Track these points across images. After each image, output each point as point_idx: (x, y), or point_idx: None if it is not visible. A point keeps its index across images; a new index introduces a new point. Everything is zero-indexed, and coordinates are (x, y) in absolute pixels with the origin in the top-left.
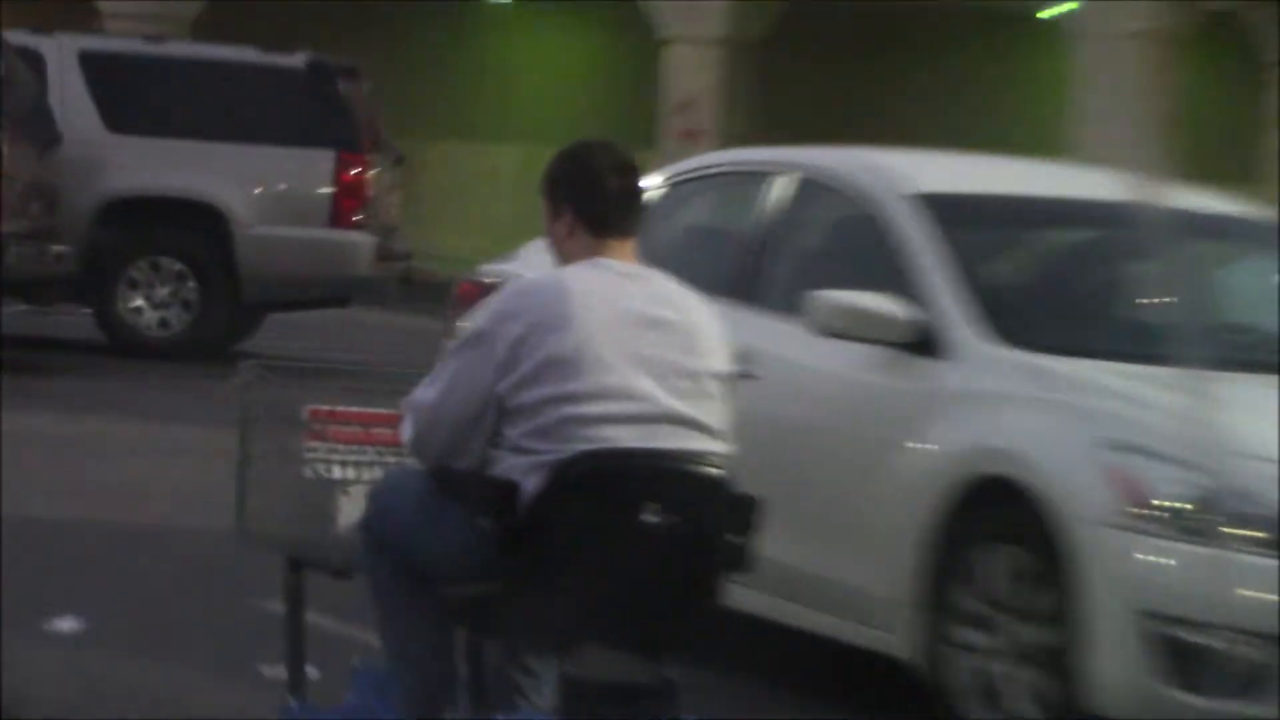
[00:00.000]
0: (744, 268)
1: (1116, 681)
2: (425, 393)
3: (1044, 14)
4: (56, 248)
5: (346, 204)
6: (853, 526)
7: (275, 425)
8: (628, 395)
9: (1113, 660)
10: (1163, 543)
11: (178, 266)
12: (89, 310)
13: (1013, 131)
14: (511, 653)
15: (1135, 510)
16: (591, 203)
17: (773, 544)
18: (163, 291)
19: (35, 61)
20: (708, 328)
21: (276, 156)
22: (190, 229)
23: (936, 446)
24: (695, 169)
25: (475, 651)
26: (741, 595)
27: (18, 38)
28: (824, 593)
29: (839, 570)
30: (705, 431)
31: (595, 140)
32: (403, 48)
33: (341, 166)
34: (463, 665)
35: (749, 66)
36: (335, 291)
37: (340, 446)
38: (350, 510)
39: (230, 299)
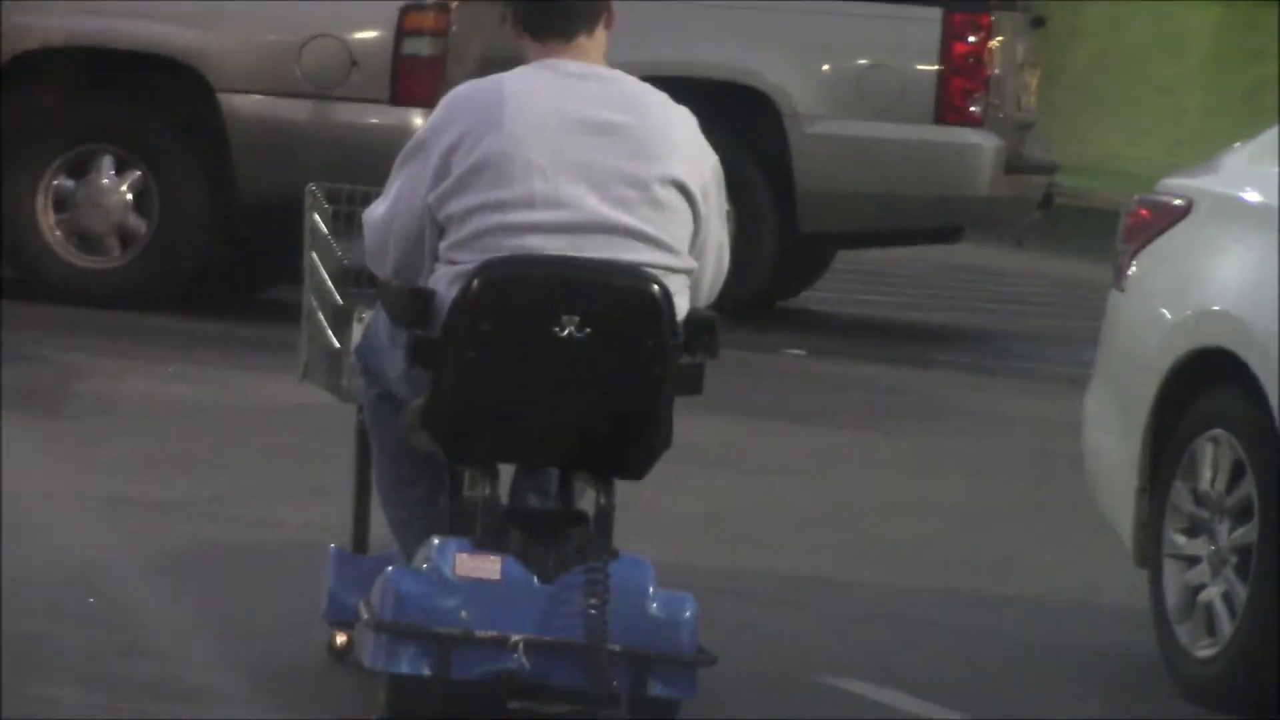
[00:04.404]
0: None
1: None
2: (377, 207)
3: None
4: None
5: (960, 86)
6: None
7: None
8: (558, 203)
9: None
10: None
11: None
12: None
13: None
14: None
15: None
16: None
17: None
18: None
19: None
20: (670, 132)
21: (854, 17)
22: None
23: None
24: None
25: (455, 481)
26: None
27: None
28: None
29: None
30: (648, 242)
31: None
32: None
33: (953, 30)
34: (442, 497)
35: None
36: (941, 219)
37: None
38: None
39: (782, 227)
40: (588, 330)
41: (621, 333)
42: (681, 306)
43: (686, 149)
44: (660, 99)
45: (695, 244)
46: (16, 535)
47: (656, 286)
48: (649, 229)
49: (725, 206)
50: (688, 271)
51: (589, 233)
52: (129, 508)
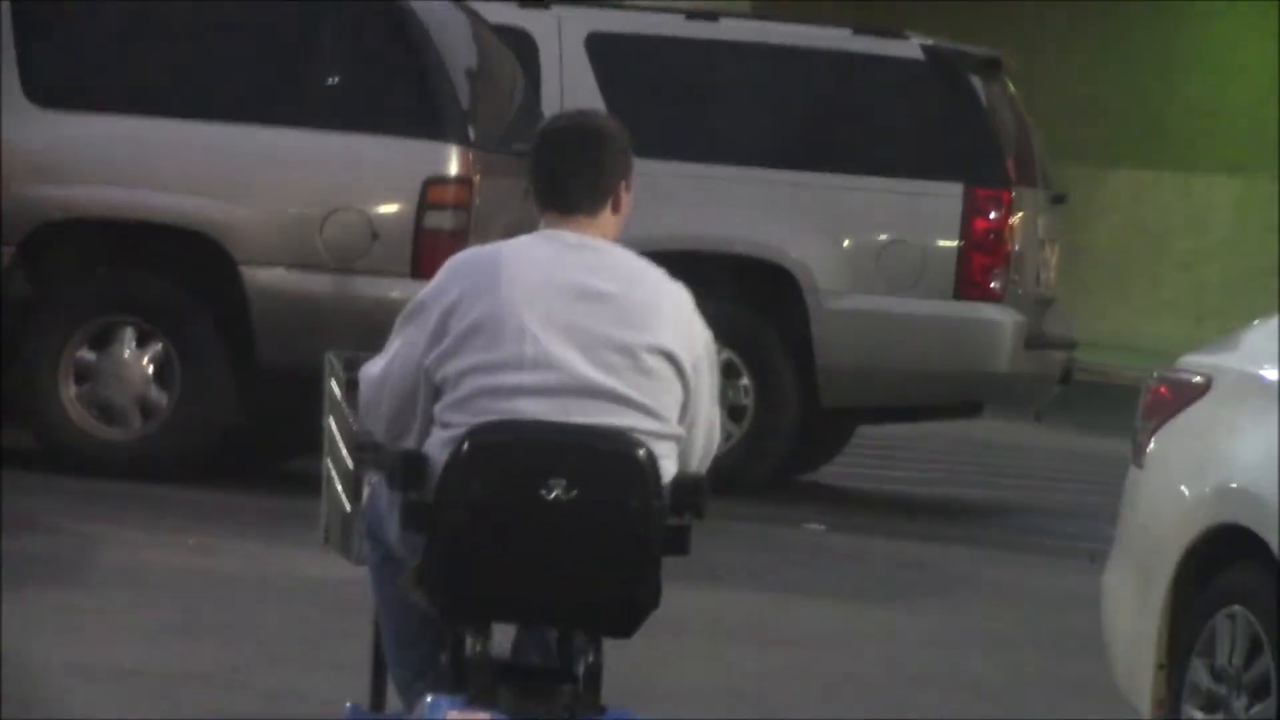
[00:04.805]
0: None
1: None
2: (375, 364)
3: None
4: None
5: (980, 262)
6: None
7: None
8: (547, 365)
9: None
10: None
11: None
12: None
13: None
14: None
15: None
16: (534, 175)
17: None
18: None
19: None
20: (660, 304)
21: (872, 191)
22: (743, 292)
23: None
24: None
25: (456, 640)
26: None
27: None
28: None
29: None
30: (632, 407)
31: (575, 110)
32: (1060, 34)
33: (973, 206)
34: (443, 655)
35: None
36: (961, 394)
37: None
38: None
39: (803, 401)
40: (574, 493)
41: (607, 495)
42: (668, 471)
43: (677, 322)
44: (655, 273)
45: (685, 414)
46: (36, 708)
47: (641, 450)
48: (636, 394)
49: (718, 385)
50: (675, 438)
51: (577, 396)
52: (149, 679)
